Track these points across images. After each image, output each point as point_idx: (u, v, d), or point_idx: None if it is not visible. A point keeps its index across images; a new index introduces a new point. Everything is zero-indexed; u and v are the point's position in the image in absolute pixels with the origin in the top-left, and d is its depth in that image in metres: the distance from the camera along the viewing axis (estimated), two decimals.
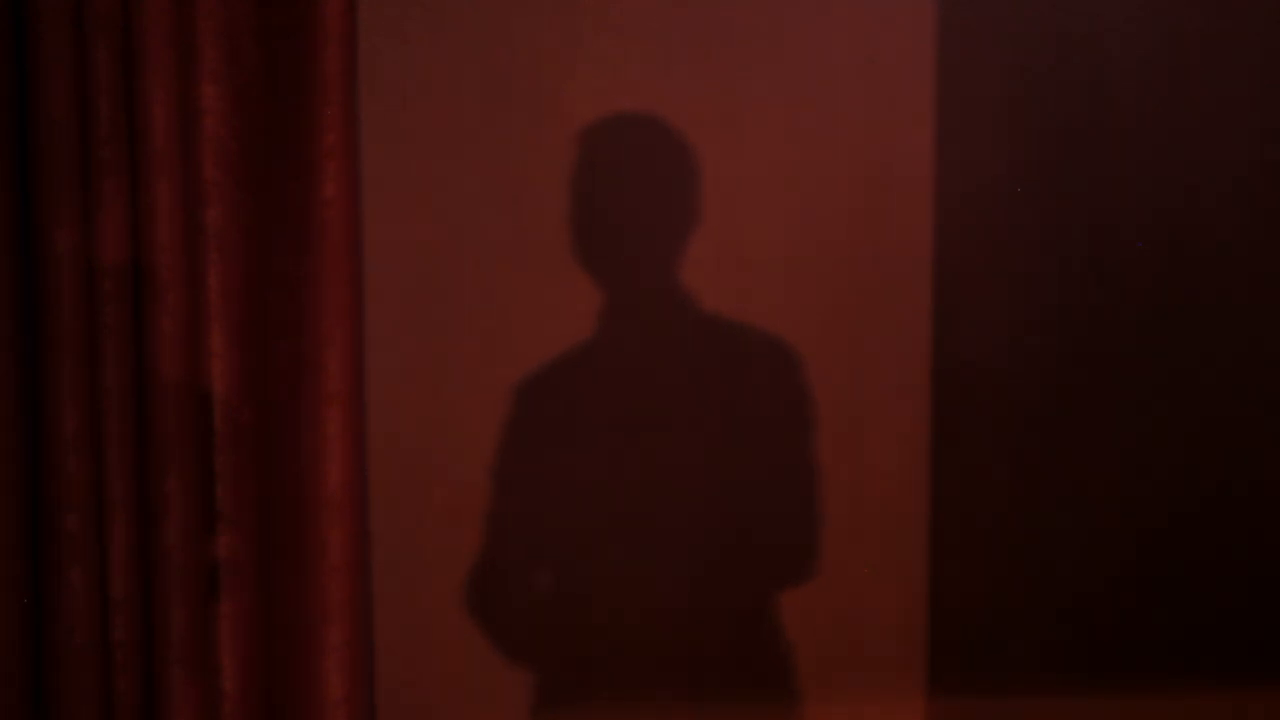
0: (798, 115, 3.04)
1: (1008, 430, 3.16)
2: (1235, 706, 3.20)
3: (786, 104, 3.04)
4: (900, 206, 3.10)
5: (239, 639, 2.67)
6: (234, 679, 2.67)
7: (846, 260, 3.09)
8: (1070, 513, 3.19)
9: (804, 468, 3.10)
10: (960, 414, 3.15)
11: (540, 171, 3.02)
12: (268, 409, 2.67)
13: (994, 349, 3.16)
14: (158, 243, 2.58)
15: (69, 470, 2.59)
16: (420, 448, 3.02)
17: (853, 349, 3.10)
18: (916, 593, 3.15)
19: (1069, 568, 3.20)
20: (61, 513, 2.59)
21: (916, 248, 3.12)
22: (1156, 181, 3.13)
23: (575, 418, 3.05)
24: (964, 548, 3.15)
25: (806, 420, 3.09)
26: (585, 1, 3.04)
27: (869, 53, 3.06)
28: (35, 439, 2.60)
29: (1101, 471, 3.19)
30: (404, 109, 2.99)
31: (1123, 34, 3.11)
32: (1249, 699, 3.21)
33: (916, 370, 3.15)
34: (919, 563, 3.15)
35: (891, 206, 3.10)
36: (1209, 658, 3.21)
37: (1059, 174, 3.12)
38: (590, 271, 3.04)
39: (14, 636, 2.61)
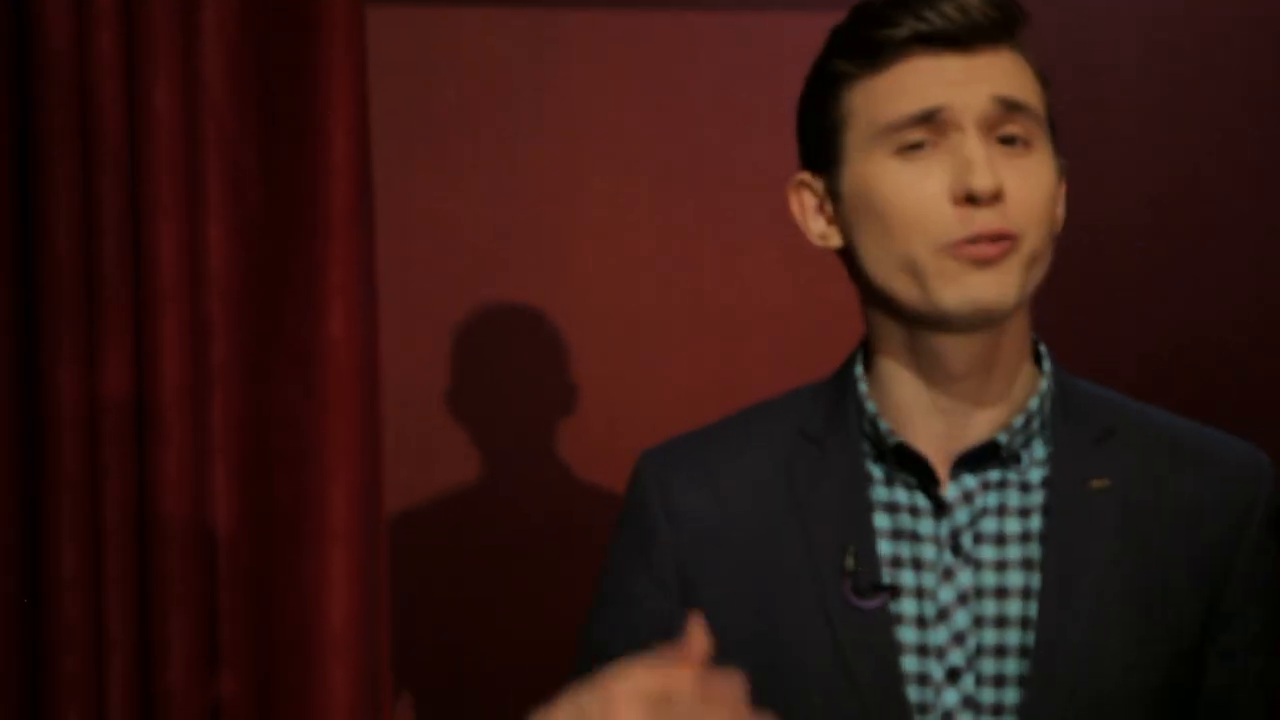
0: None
1: None
2: None
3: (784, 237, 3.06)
4: None
5: None
6: None
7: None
8: None
9: None
10: None
11: (540, 311, 3.04)
12: (270, 547, 2.66)
13: None
14: (161, 380, 2.58)
15: (68, 611, 2.56)
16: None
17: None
18: None
19: None
20: (60, 654, 2.56)
21: None
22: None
23: None
24: None
25: None
26: (588, 140, 3.06)
27: None
28: (34, 579, 2.57)
29: None
30: (410, 242, 3.00)
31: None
32: None
33: None
34: None
35: None
36: None
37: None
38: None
39: None
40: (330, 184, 2.63)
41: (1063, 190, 1.56)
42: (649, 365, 3.07)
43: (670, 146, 3.08)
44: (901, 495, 1.54)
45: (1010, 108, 1.49)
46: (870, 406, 1.56)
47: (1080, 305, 3.17)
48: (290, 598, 2.65)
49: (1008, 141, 1.50)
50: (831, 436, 1.57)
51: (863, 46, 1.52)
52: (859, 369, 1.58)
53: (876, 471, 1.55)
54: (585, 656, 1.62)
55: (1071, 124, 3.21)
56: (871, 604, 1.50)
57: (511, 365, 3.06)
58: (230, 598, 2.62)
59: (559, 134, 3.06)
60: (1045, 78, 1.55)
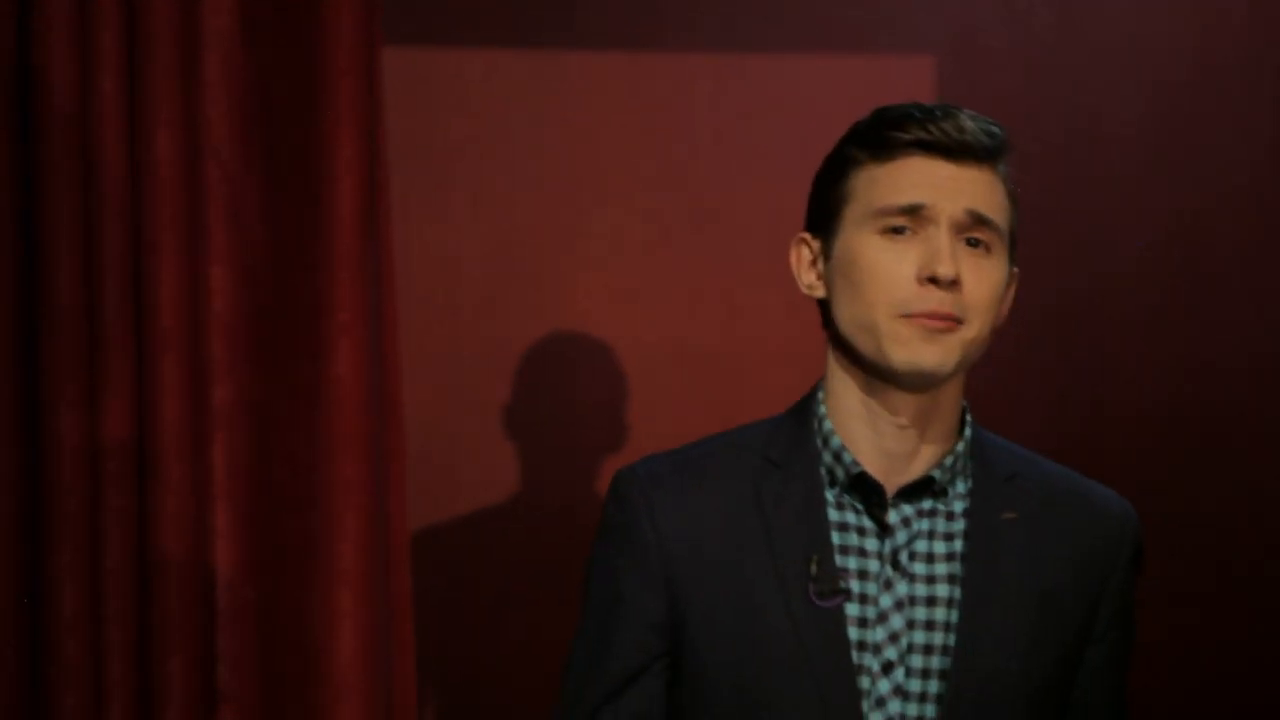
0: None
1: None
2: None
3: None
4: None
5: None
6: None
7: None
8: None
9: None
10: None
11: (543, 349, 3.05)
12: (274, 587, 2.65)
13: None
14: (163, 421, 2.58)
15: (69, 650, 2.56)
16: None
17: None
18: None
19: None
20: (61, 693, 2.56)
21: None
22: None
23: None
24: None
25: None
26: (589, 179, 3.08)
27: None
28: (36, 619, 2.58)
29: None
30: (413, 278, 3.01)
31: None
32: None
33: None
34: None
35: None
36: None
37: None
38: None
39: None
40: (334, 225, 2.64)
41: (1010, 292, 1.87)
42: (649, 398, 3.08)
43: (669, 185, 3.10)
44: (851, 517, 1.83)
45: (979, 221, 1.81)
46: (837, 440, 1.85)
47: (1080, 344, 3.19)
48: (295, 639, 2.65)
49: (972, 244, 1.81)
50: (793, 462, 1.85)
51: (874, 140, 1.83)
52: (823, 408, 1.87)
53: (830, 496, 1.84)
54: (581, 657, 1.87)
55: (1073, 162, 3.26)
56: (829, 604, 1.80)
57: (515, 398, 3.07)
58: (232, 639, 2.61)
59: (560, 173, 3.08)
60: (1015, 197, 1.86)
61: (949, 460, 1.85)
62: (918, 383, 1.80)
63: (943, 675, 1.80)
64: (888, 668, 1.80)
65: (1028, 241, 3.16)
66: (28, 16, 2.55)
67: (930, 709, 1.80)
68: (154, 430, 2.58)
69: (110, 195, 2.57)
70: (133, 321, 2.58)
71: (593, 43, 3.10)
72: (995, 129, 1.83)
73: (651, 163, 3.11)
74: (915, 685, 1.80)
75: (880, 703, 1.80)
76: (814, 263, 1.87)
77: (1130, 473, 3.19)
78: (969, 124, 1.81)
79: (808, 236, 1.89)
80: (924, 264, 1.78)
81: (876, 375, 1.82)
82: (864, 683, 1.80)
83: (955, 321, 1.78)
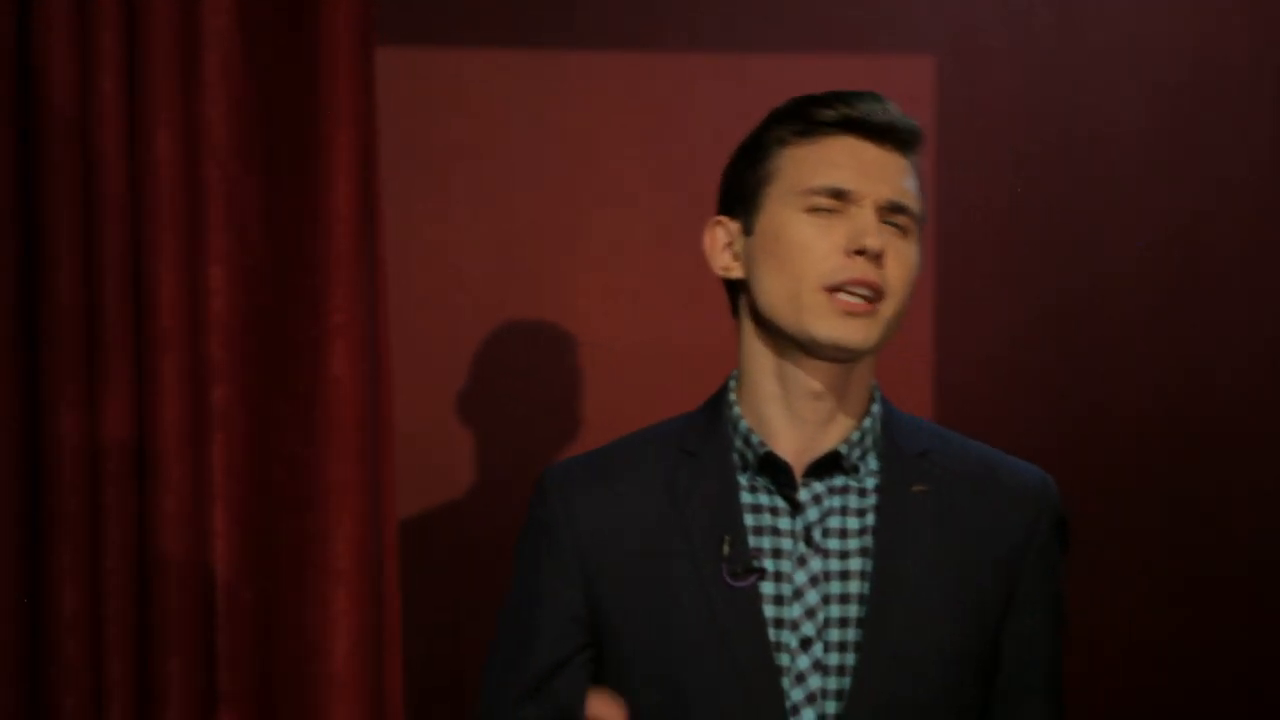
0: None
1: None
2: None
3: None
4: None
5: None
6: None
7: None
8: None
9: None
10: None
11: (542, 350, 3.05)
12: (271, 587, 2.66)
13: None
14: (162, 422, 2.58)
15: (68, 651, 2.56)
16: None
17: None
18: None
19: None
20: (61, 694, 2.56)
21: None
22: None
23: None
24: None
25: None
26: (589, 178, 3.08)
27: None
28: (35, 620, 2.58)
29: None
30: (413, 278, 3.01)
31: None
32: None
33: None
34: None
35: None
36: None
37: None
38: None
39: None
40: (332, 226, 2.64)
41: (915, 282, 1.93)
42: (649, 399, 3.08)
43: (669, 185, 3.10)
44: (764, 498, 1.89)
45: (898, 209, 1.88)
46: (744, 424, 1.90)
47: (1081, 347, 3.19)
48: (291, 638, 2.66)
49: (891, 225, 1.87)
50: (706, 451, 1.91)
51: (799, 119, 1.90)
52: (733, 396, 1.93)
53: (743, 480, 1.89)
54: (505, 650, 1.92)
55: (1073, 162, 3.26)
56: (744, 584, 1.85)
57: (513, 400, 3.07)
58: (230, 639, 2.62)
59: (560, 173, 3.08)
60: (923, 190, 1.93)
61: (855, 435, 1.90)
62: (838, 356, 1.86)
63: (858, 648, 1.84)
64: (806, 643, 1.85)
65: (1028, 241, 3.19)
66: (28, 16, 2.55)
67: (848, 681, 1.83)
68: (154, 430, 2.59)
69: (110, 195, 2.57)
70: (133, 322, 2.59)
71: (593, 43, 3.10)
72: (911, 120, 1.91)
73: (651, 163, 3.11)
74: (834, 659, 1.84)
75: (800, 678, 1.84)
76: (729, 244, 1.92)
77: (1130, 473, 3.20)
78: (893, 108, 1.89)
79: (724, 219, 1.94)
80: (852, 238, 1.84)
81: (796, 347, 1.87)
82: (783, 659, 1.84)
83: (875, 300, 1.85)
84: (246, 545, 2.63)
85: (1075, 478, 3.19)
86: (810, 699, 1.84)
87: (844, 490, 1.89)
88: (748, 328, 1.93)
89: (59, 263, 2.55)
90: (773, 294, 1.87)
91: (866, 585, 1.85)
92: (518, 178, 3.07)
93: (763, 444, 1.89)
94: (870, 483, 1.90)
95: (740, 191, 1.93)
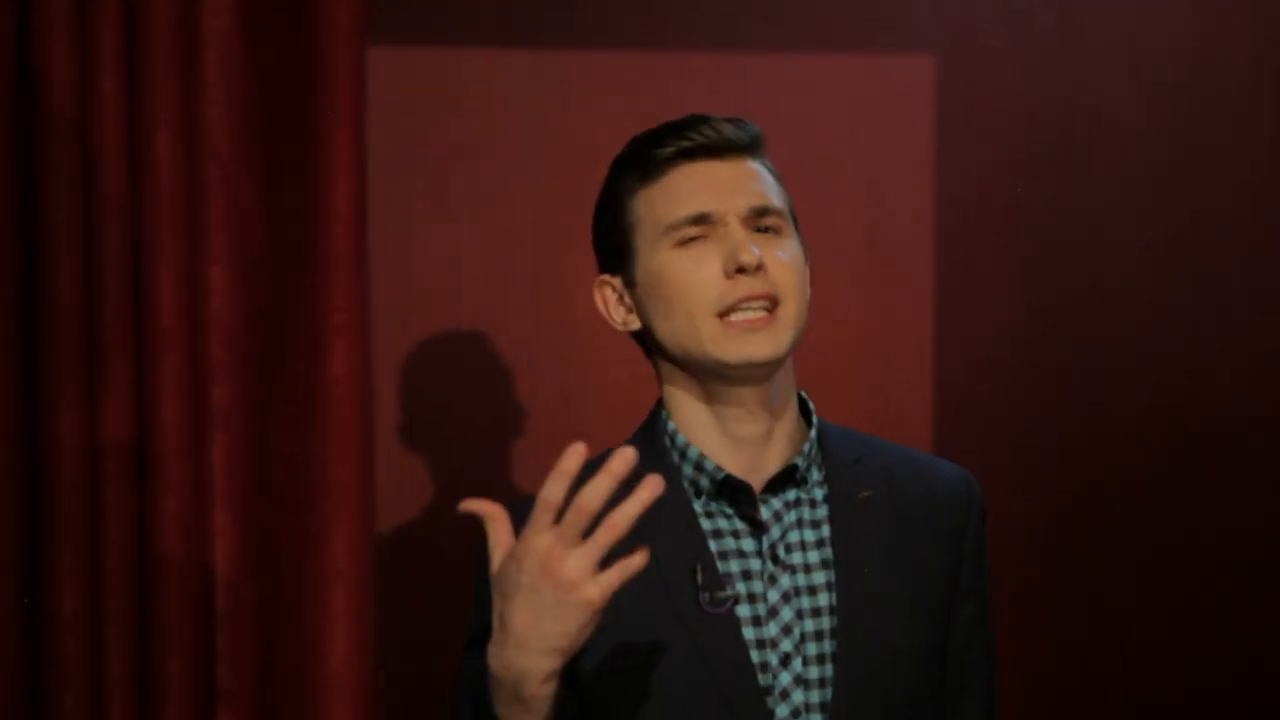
0: None
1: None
2: None
3: None
4: (900, 223, 3.14)
5: None
6: None
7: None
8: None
9: None
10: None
11: (542, 346, 3.05)
12: (270, 587, 2.66)
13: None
14: (162, 421, 2.59)
15: (68, 651, 2.56)
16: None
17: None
18: None
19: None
20: (60, 693, 2.57)
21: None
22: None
23: None
24: None
25: None
26: (587, 179, 3.08)
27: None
28: (35, 620, 2.58)
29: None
30: (409, 279, 3.01)
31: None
32: None
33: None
34: None
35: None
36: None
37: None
38: None
39: None
40: (331, 226, 2.64)
41: (808, 269, 1.93)
42: (648, 399, 3.08)
43: None
44: (723, 523, 1.90)
45: (762, 212, 1.89)
46: (694, 450, 1.91)
47: (1083, 347, 3.19)
48: (290, 638, 2.66)
49: (762, 230, 1.89)
50: None
51: (640, 164, 1.92)
52: (672, 424, 1.93)
53: (697, 507, 1.90)
54: (469, 690, 1.81)
55: (1073, 162, 3.26)
56: (721, 610, 1.86)
57: (510, 402, 3.07)
58: (230, 639, 2.62)
59: (560, 173, 3.08)
60: (781, 179, 1.94)
61: (806, 447, 1.92)
62: (754, 374, 1.88)
63: (834, 658, 1.86)
64: (785, 660, 1.86)
65: (1028, 241, 3.19)
66: (28, 16, 2.55)
67: (829, 692, 1.85)
68: (154, 430, 2.59)
69: (110, 195, 2.57)
70: (133, 321, 2.59)
71: (592, 42, 3.10)
72: (747, 123, 1.93)
73: None
74: (814, 672, 1.86)
75: (784, 695, 1.86)
76: (620, 299, 1.95)
77: (1130, 473, 3.21)
78: (722, 123, 1.91)
79: (607, 277, 1.97)
80: (728, 259, 1.86)
81: (714, 378, 1.89)
82: (766, 679, 1.85)
83: (772, 307, 1.87)
84: (246, 545, 2.64)
85: (1075, 478, 3.21)
86: (795, 714, 1.85)
87: (798, 504, 1.91)
88: (665, 368, 1.94)
89: (59, 263, 2.55)
90: (674, 334, 1.89)
91: (834, 596, 1.88)
92: (517, 178, 3.07)
93: (719, 469, 1.90)
94: (819, 494, 1.92)
95: (612, 247, 1.95)
